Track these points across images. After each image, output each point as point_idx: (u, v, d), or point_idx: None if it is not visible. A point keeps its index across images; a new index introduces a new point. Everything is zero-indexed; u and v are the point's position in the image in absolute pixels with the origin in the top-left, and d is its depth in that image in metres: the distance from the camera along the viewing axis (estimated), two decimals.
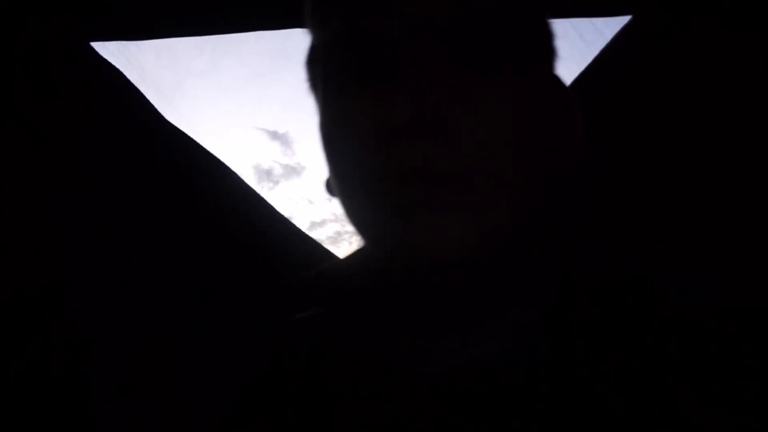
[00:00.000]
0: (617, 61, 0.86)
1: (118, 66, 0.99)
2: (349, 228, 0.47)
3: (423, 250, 0.39)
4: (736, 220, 0.79)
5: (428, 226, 0.38)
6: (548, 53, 0.46)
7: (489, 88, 0.40)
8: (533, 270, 0.46)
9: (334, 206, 0.49)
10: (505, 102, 0.40)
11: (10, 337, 0.92)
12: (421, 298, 0.46)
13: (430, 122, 0.38)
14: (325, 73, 0.44)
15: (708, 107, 0.81)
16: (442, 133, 0.38)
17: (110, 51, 0.98)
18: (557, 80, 0.47)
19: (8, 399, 0.90)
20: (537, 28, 0.45)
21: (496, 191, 0.40)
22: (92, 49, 0.98)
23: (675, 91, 0.84)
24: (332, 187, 0.49)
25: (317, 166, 0.52)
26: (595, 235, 0.44)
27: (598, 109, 0.81)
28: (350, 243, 0.61)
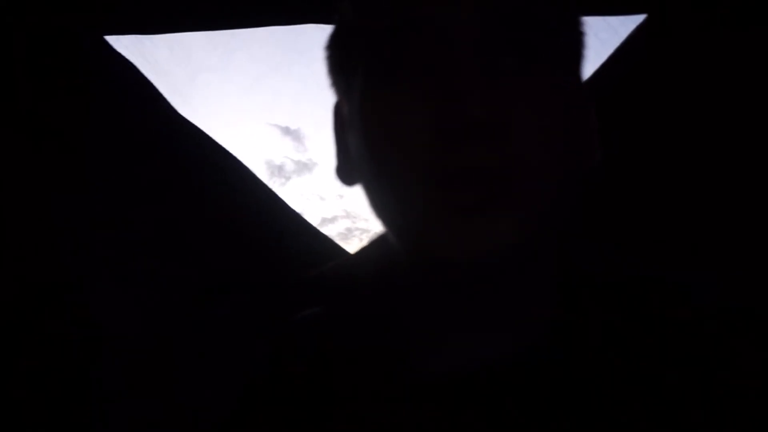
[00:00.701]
0: (632, 60, 0.86)
1: (132, 60, 1.00)
2: (360, 225, 0.47)
3: (474, 251, 0.39)
4: (737, 220, 0.79)
5: (485, 227, 0.38)
6: (580, 54, 0.46)
7: (542, 88, 0.40)
8: (538, 270, 0.46)
9: (345, 203, 0.49)
10: (556, 103, 0.40)
11: (12, 336, 0.92)
12: (431, 298, 0.46)
13: (497, 123, 0.38)
14: (371, 62, 0.43)
15: (719, 108, 0.81)
16: (506, 135, 0.38)
17: (124, 45, 0.99)
18: (581, 82, 0.47)
19: (9, 399, 0.91)
20: (572, 27, 0.44)
21: (542, 193, 0.40)
22: (106, 42, 0.98)
23: (688, 91, 0.83)
24: (350, 177, 0.49)
25: (329, 163, 0.52)
26: (597, 234, 0.44)
27: (611, 108, 0.81)
28: (360, 239, 0.61)
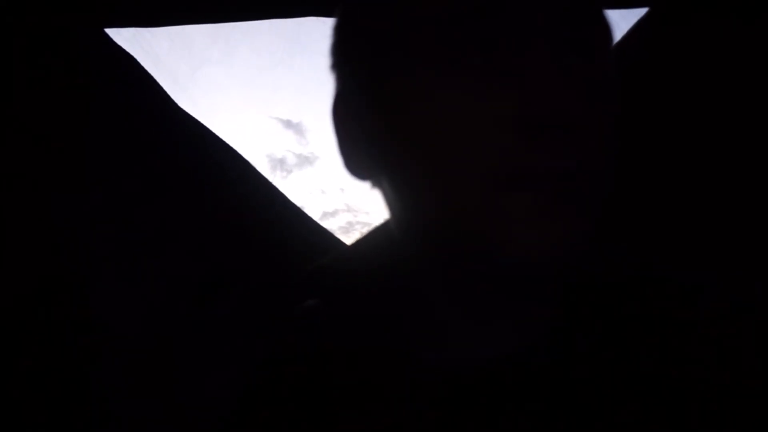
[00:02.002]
0: (633, 54, 0.86)
1: (132, 53, 0.99)
2: (361, 218, 0.46)
3: (514, 254, 0.37)
4: (738, 219, 0.79)
5: (554, 230, 0.37)
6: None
7: (602, 88, 0.39)
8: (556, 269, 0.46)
9: (347, 196, 0.48)
10: (612, 103, 0.40)
11: (12, 336, 0.92)
12: (435, 296, 0.46)
13: (574, 120, 0.36)
14: (423, 46, 0.40)
15: (721, 104, 0.81)
16: (573, 132, 0.37)
17: (124, 38, 0.98)
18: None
19: (9, 398, 0.91)
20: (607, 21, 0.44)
21: (599, 192, 0.39)
22: (106, 35, 0.98)
23: (690, 86, 0.83)
24: (364, 170, 0.47)
25: (330, 156, 0.51)
26: (597, 234, 0.44)
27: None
28: (361, 233, 0.61)
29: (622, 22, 0.87)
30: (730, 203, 0.79)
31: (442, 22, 0.39)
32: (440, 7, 0.39)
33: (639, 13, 0.87)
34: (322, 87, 0.50)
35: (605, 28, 0.42)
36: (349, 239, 1.14)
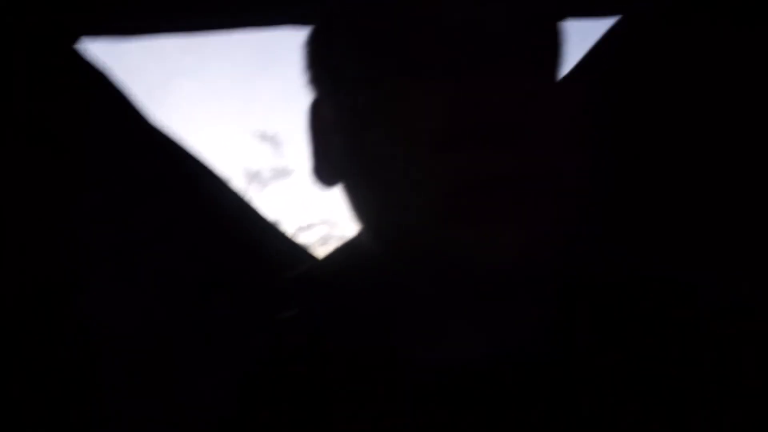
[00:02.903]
0: (604, 62, 0.87)
1: (103, 63, 0.99)
2: (338, 231, 0.46)
3: (477, 259, 0.38)
4: (735, 219, 0.80)
5: (491, 235, 0.38)
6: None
7: (548, 90, 0.40)
8: (540, 269, 0.46)
9: (323, 209, 0.48)
10: (562, 105, 0.40)
11: (12, 336, 0.91)
12: (427, 297, 0.46)
13: (504, 126, 0.37)
14: (371, 59, 0.42)
15: (697, 108, 0.82)
16: (514, 138, 0.37)
17: (97, 47, 0.98)
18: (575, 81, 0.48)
19: (9, 399, 0.89)
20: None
21: (553, 197, 0.39)
22: (79, 47, 0.98)
23: (664, 92, 0.84)
24: (329, 178, 0.48)
25: (307, 168, 0.51)
26: (596, 234, 0.44)
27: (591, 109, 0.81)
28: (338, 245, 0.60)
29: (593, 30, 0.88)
30: (729, 204, 0.80)
31: (382, 39, 0.41)
32: (380, 24, 0.41)
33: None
34: (298, 99, 0.50)
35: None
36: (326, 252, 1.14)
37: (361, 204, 0.44)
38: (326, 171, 0.49)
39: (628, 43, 0.85)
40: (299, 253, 1.10)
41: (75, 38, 0.97)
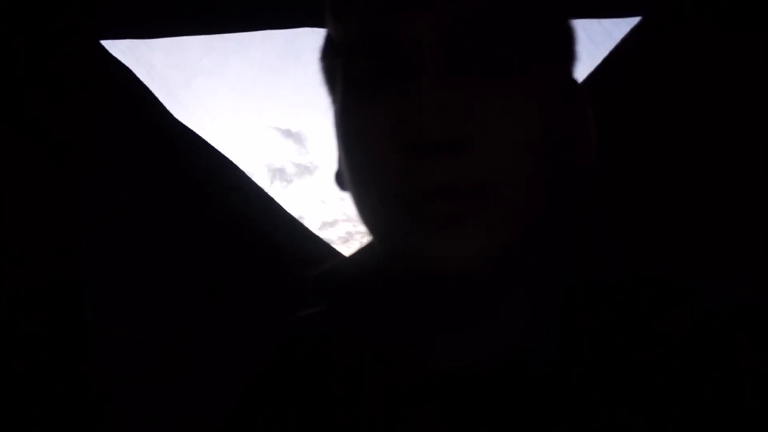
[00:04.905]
0: (626, 62, 0.86)
1: (127, 64, 1.00)
2: (361, 228, 0.47)
3: (439, 263, 0.39)
4: (737, 220, 0.79)
5: (448, 242, 0.38)
6: (568, 55, 0.45)
7: (509, 100, 0.39)
8: (540, 271, 0.46)
9: (346, 206, 0.49)
10: (526, 114, 0.40)
11: (13, 335, 0.92)
12: (426, 299, 0.46)
13: (456, 139, 0.38)
14: (345, 74, 0.43)
15: (713, 109, 0.81)
16: (467, 150, 0.38)
17: (120, 50, 0.99)
18: (574, 81, 0.47)
19: (9, 399, 0.90)
20: (555, 31, 0.44)
21: (516, 204, 0.39)
22: (102, 47, 0.99)
23: (683, 92, 0.83)
24: (344, 182, 0.49)
25: (330, 165, 0.52)
26: (598, 234, 0.44)
27: (606, 111, 0.81)
28: (361, 243, 0.61)
29: (615, 30, 0.87)
30: (728, 205, 0.80)
31: (347, 52, 0.42)
32: (346, 37, 0.42)
33: (632, 22, 0.88)
34: (321, 96, 0.51)
35: (532, 41, 0.41)
36: (348, 249, 1.15)
37: (357, 210, 0.46)
38: (339, 176, 0.50)
39: (640, 48, 0.85)
40: (322, 249, 1.11)
41: (97, 39, 0.98)
